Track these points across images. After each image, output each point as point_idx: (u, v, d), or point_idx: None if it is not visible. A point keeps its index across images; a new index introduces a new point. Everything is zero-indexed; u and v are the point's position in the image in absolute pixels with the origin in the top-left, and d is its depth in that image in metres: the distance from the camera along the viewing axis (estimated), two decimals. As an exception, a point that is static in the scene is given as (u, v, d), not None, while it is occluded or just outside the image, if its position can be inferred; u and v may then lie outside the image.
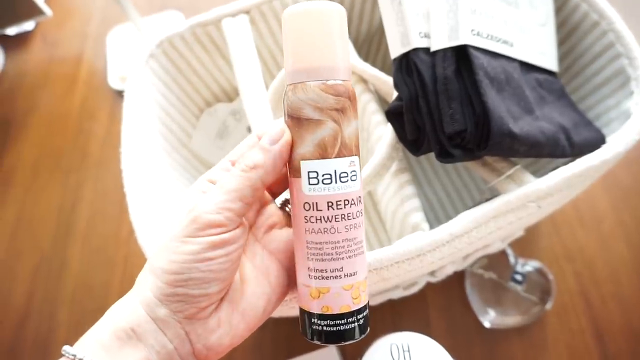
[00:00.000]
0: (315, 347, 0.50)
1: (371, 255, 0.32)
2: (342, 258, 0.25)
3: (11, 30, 0.86)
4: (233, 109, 0.60)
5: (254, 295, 0.26)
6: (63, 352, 0.22)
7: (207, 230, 0.23)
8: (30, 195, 0.71)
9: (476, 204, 0.34)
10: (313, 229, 0.25)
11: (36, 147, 0.75)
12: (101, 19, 0.87)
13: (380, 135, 0.42)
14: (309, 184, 0.24)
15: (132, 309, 0.23)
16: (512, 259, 0.53)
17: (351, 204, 0.25)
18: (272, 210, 0.29)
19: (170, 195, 0.45)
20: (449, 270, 0.42)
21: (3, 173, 0.73)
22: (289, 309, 0.31)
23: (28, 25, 0.87)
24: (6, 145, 0.76)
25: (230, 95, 0.60)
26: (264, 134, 0.25)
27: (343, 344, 0.25)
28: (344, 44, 0.25)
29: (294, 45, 0.24)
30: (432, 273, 0.42)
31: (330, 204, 0.24)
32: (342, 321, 0.25)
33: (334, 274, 0.25)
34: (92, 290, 0.61)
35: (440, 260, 0.33)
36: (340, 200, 0.24)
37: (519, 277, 0.52)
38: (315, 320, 0.25)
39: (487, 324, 0.51)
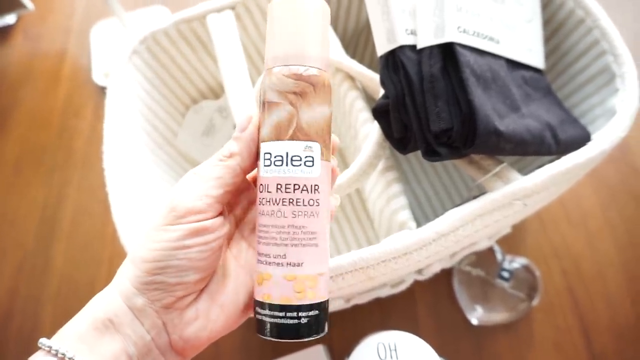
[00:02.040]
0: (302, 347, 0.50)
1: (357, 253, 0.32)
2: (286, 245, 0.24)
3: (-8, 25, 0.85)
4: (219, 106, 0.59)
5: (235, 291, 0.26)
6: (39, 345, 0.22)
7: (187, 217, 0.23)
8: (13, 192, 0.69)
9: (463, 201, 0.34)
10: (264, 211, 0.25)
11: (19, 144, 0.74)
12: (85, 13, 0.85)
13: (368, 133, 0.41)
14: (264, 165, 0.25)
15: (110, 299, 0.23)
16: (499, 256, 0.53)
17: (302, 190, 0.24)
18: None
19: (155, 194, 0.44)
20: (437, 268, 0.42)
21: (-15, 171, 0.72)
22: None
23: (9, 19, 0.85)
24: (-12, 142, 0.75)
25: (217, 92, 0.59)
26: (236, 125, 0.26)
27: (282, 340, 0.24)
28: (317, 33, 0.25)
29: (269, 33, 0.25)
30: (420, 271, 0.42)
31: (279, 186, 0.24)
32: (281, 314, 0.24)
33: (276, 260, 0.24)
34: (77, 289, 0.60)
35: (427, 258, 0.33)
36: (289, 184, 0.24)
37: (506, 274, 0.52)
38: (257, 309, 0.25)
39: (474, 321, 0.52)
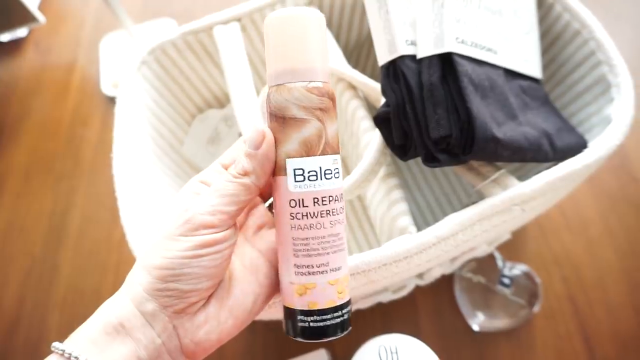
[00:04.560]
0: (305, 350, 0.51)
1: (359, 257, 0.32)
2: (328, 253, 0.25)
3: (4, 37, 0.87)
4: (225, 115, 0.60)
5: (243, 293, 0.26)
6: (52, 349, 0.23)
7: (200, 230, 0.24)
8: (22, 201, 0.71)
9: (463, 207, 0.35)
10: (299, 225, 0.25)
11: (28, 153, 0.75)
12: (94, 25, 0.87)
13: (369, 140, 0.42)
14: (295, 181, 0.25)
15: (121, 304, 0.24)
16: (500, 263, 0.54)
17: (335, 200, 0.26)
18: (261, 211, 0.30)
19: (162, 201, 0.45)
20: (437, 273, 0.42)
21: (-6, 179, 0.73)
22: (279, 312, 0.32)
23: (21, 32, 0.87)
24: (-2, 150, 0.76)
25: (222, 101, 0.61)
26: (246, 140, 0.26)
27: (329, 339, 0.26)
28: (324, 48, 0.26)
29: (278, 48, 0.25)
30: (420, 275, 0.42)
31: (316, 200, 0.25)
32: (329, 316, 0.26)
33: (320, 269, 0.25)
34: (84, 296, 0.61)
35: (427, 262, 0.34)
36: (325, 197, 0.25)
37: (506, 281, 0.52)
38: (302, 317, 0.26)
39: (475, 327, 0.52)
